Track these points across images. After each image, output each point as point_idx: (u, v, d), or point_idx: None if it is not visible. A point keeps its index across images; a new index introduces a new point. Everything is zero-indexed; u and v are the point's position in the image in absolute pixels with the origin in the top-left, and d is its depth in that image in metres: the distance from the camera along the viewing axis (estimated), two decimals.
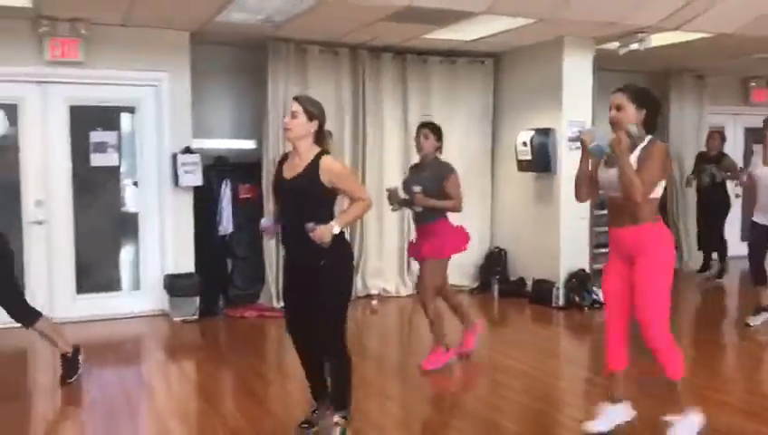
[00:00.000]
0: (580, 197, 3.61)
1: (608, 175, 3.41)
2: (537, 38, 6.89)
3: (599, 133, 3.43)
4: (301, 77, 7.04)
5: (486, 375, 4.98)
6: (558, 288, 6.94)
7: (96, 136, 6.45)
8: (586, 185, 3.55)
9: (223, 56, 7.08)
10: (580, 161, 3.53)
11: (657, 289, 3.34)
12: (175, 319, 6.37)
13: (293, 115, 3.38)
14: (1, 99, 6.11)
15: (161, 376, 5.08)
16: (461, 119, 7.80)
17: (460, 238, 4.97)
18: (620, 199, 3.35)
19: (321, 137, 3.45)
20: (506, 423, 3.96)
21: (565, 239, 6.94)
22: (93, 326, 6.13)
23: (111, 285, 6.86)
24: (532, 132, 7.08)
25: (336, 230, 3.26)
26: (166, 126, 6.53)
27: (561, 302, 6.88)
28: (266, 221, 3.88)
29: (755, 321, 6.03)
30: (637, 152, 3.34)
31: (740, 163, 8.56)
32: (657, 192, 3.38)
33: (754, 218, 6.08)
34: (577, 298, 6.86)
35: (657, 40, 6.72)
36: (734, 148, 9.42)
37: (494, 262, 7.79)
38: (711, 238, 8.46)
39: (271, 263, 6.90)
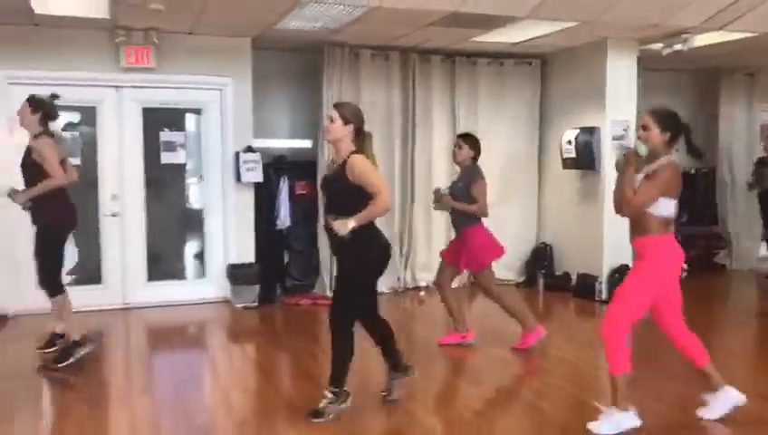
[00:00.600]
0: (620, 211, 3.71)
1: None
2: (581, 40, 7.10)
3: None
4: (353, 80, 7.43)
5: (532, 364, 5.21)
6: (601, 283, 7.15)
7: (165, 136, 7.00)
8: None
9: (281, 61, 7.52)
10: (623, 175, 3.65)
11: (636, 289, 3.55)
12: (236, 305, 6.85)
13: (331, 120, 3.77)
14: (81, 102, 6.67)
15: (224, 355, 5.56)
16: (508, 119, 8.08)
17: (489, 248, 5.23)
18: None
19: (358, 139, 3.79)
20: (547, 408, 4.19)
21: (608, 235, 7.12)
22: (162, 311, 6.66)
23: (179, 273, 7.41)
24: (577, 131, 7.31)
25: (351, 225, 3.60)
26: (229, 127, 7.02)
27: (603, 296, 7.08)
28: None
29: None
30: (648, 170, 3.53)
31: None
32: (667, 209, 3.53)
33: None
34: None
35: (702, 40, 6.83)
36: None
37: (540, 257, 8.04)
38: None
39: (324, 255, 7.32)
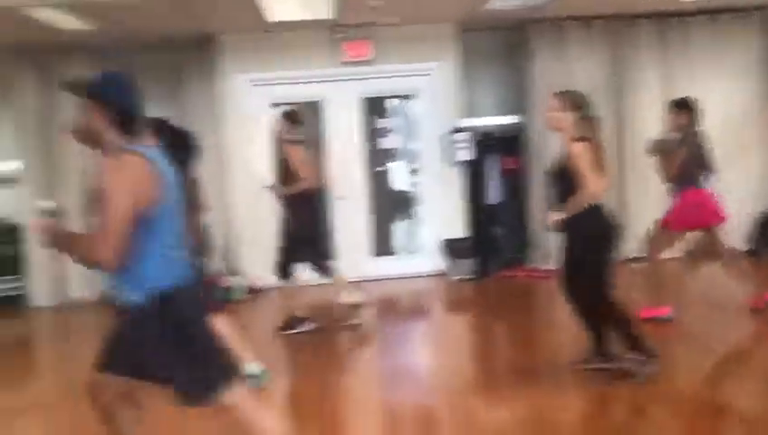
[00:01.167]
0: None
1: None
2: None
3: None
4: (559, 52, 7.46)
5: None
6: None
7: (382, 122, 7.56)
8: None
9: (486, 40, 7.73)
10: None
11: None
12: (453, 278, 7.26)
13: (551, 108, 3.90)
14: (307, 97, 7.41)
15: (445, 321, 5.99)
16: (727, 78, 7.62)
17: (684, 216, 5.02)
18: None
19: (583, 125, 3.84)
20: None
21: None
22: (386, 284, 7.25)
23: (398, 249, 7.98)
24: None
25: (559, 216, 3.75)
26: (439, 109, 7.42)
27: None
28: None
29: None
30: None
31: None
32: None
33: None
34: None
35: None
36: None
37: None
38: None
39: (537, 228, 7.46)
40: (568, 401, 3.75)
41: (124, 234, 2.23)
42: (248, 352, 4.19)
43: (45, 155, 7.18)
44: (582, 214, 3.76)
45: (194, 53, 7.23)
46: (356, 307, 5.46)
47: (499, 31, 7.67)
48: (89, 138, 2.41)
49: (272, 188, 5.61)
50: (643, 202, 7.58)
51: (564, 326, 4.27)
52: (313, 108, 7.49)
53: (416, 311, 6.65)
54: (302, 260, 5.50)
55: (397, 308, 6.52)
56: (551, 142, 7.27)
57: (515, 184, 7.62)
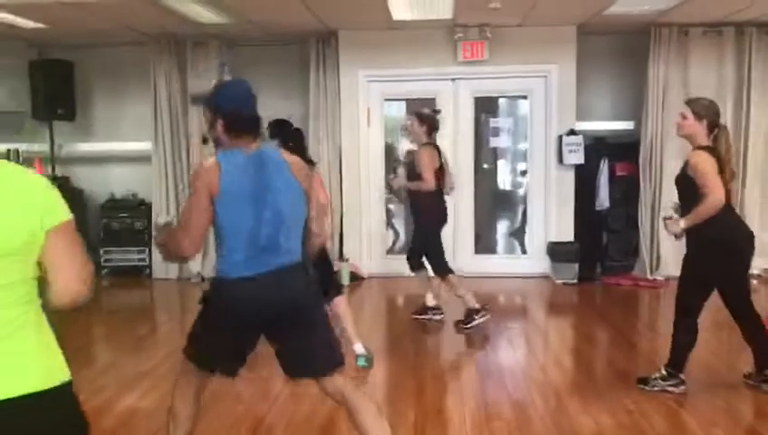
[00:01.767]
0: None
1: None
2: None
3: None
4: (681, 59, 7.26)
5: None
6: None
7: (494, 122, 7.63)
8: None
9: (605, 44, 7.63)
10: None
11: None
12: (556, 281, 7.24)
13: (684, 117, 3.84)
14: (422, 93, 7.57)
15: (547, 322, 6.01)
16: None
17: None
18: None
19: (713, 133, 3.80)
20: None
21: None
22: (486, 282, 7.30)
23: (502, 248, 8.04)
24: None
25: (681, 225, 3.72)
26: (553, 111, 7.40)
27: None
28: None
29: None
30: None
31: None
32: None
33: None
34: None
35: None
36: None
37: None
38: None
39: (646, 236, 7.33)
40: (662, 407, 3.74)
41: (197, 228, 2.52)
42: (354, 333, 4.46)
43: (175, 137, 7.70)
44: (709, 222, 3.69)
45: (318, 47, 7.54)
46: (471, 309, 5.54)
47: (619, 35, 7.55)
48: (214, 141, 2.70)
49: (393, 179, 5.82)
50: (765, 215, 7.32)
51: (667, 334, 4.24)
52: (430, 104, 7.67)
53: (517, 310, 6.70)
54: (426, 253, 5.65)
55: (498, 307, 6.58)
56: (665, 150, 7.17)
57: (626, 190, 7.49)
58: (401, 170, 6.15)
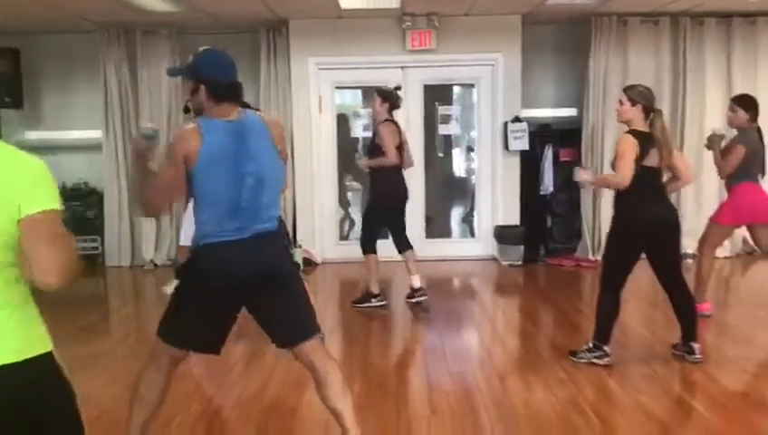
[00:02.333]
0: None
1: None
2: None
3: None
4: (621, 48, 7.55)
5: None
6: None
7: (443, 109, 7.82)
8: None
9: (549, 33, 7.86)
10: None
11: None
12: (503, 263, 7.50)
13: (621, 102, 4.09)
14: (373, 82, 7.68)
15: (494, 303, 6.25)
16: None
17: (737, 211, 5.10)
18: None
19: (649, 118, 4.04)
20: None
21: None
22: (437, 265, 7.51)
23: (451, 232, 8.26)
24: None
25: (585, 177, 4.55)
26: (499, 98, 7.62)
27: None
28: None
29: None
30: None
31: None
32: None
33: None
34: None
35: None
36: None
37: None
38: None
39: (588, 219, 7.62)
40: (604, 383, 3.98)
41: (169, 189, 2.63)
42: None
43: (126, 126, 7.70)
44: (619, 204, 4.04)
45: (269, 36, 7.61)
46: (416, 288, 5.74)
47: (562, 24, 7.80)
48: (196, 110, 2.74)
49: (358, 158, 5.94)
50: (699, 198, 7.65)
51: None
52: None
53: (464, 292, 6.93)
54: (381, 230, 5.81)
55: (446, 289, 6.79)
56: (606, 136, 7.45)
57: (569, 175, 7.66)
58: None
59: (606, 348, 4.19)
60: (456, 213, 8.51)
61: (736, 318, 5.45)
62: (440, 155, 8.26)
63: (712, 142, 5.18)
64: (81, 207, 7.85)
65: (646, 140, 4.01)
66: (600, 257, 7.40)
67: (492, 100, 7.68)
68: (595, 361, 4.19)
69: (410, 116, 7.67)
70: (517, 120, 7.53)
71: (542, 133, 7.83)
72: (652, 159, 4.02)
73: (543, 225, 7.93)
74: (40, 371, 1.63)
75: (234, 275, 2.61)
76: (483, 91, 7.75)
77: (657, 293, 4.42)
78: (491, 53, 7.52)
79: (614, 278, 4.15)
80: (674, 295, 4.25)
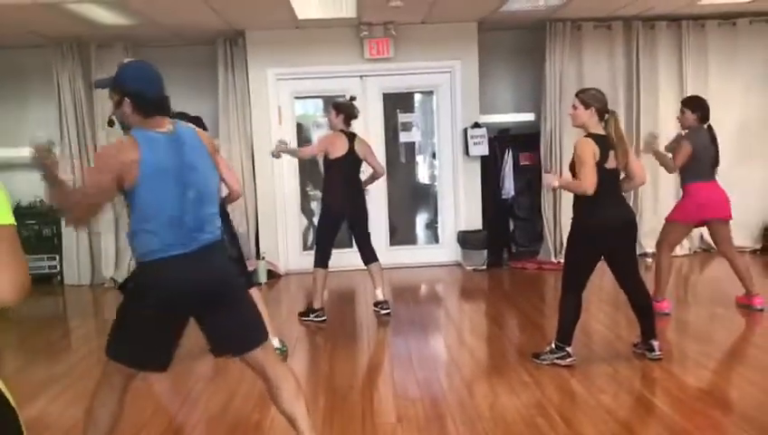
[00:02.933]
0: None
1: None
2: None
3: None
4: (576, 53, 7.68)
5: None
6: None
7: (403, 117, 7.86)
8: None
9: (505, 40, 7.96)
10: None
11: None
12: (467, 268, 7.54)
13: (574, 107, 4.15)
14: (332, 92, 7.70)
15: (458, 308, 6.27)
16: (741, 82, 7.79)
17: (689, 209, 5.23)
18: None
19: (603, 120, 4.10)
20: None
21: None
22: (401, 272, 7.53)
23: (414, 239, 8.28)
24: None
25: (555, 184, 4.30)
26: (458, 105, 7.68)
27: None
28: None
29: None
30: None
31: None
32: None
33: None
34: None
35: None
36: None
37: None
38: None
39: (549, 222, 7.71)
40: (567, 384, 4.02)
41: (95, 202, 2.59)
42: (271, 328, 4.53)
43: (82, 141, 7.56)
44: (577, 209, 4.10)
45: (226, 47, 7.56)
46: (379, 301, 5.73)
47: (518, 30, 7.90)
48: (122, 123, 2.67)
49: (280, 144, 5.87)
50: (657, 198, 7.80)
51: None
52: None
53: (429, 299, 6.94)
54: (333, 242, 5.72)
55: (411, 296, 6.81)
56: (564, 139, 7.56)
57: (530, 179, 7.86)
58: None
59: (568, 349, 4.23)
60: (421, 219, 8.53)
61: (695, 316, 5.55)
62: (403, 162, 8.27)
63: (647, 144, 5.32)
64: (38, 225, 7.70)
65: (604, 144, 4.07)
66: (561, 260, 7.53)
67: (451, 106, 7.74)
68: (557, 362, 4.23)
69: (369, 124, 7.68)
70: (476, 125, 7.60)
71: (501, 138, 7.91)
72: (611, 162, 4.08)
73: (506, 229, 8.01)
74: None
75: (181, 291, 2.58)
76: (442, 97, 7.80)
77: (619, 294, 4.48)
78: (448, 60, 7.58)
79: (575, 280, 4.20)
80: (631, 295, 4.32)
